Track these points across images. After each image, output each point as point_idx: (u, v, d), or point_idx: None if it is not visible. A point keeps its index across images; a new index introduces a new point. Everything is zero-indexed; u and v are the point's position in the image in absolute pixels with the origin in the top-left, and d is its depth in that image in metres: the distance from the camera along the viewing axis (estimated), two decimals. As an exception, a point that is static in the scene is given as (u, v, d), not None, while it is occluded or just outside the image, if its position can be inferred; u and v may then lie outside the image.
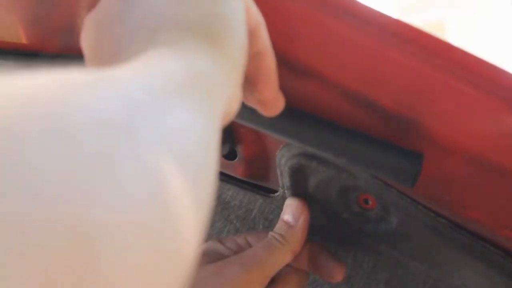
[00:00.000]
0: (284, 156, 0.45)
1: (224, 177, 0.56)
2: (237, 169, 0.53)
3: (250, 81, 0.30)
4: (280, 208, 0.53)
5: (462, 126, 0.32)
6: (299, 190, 0.49)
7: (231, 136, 0.50)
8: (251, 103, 0.33)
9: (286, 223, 0.43)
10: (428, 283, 0.49)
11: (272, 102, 0.33)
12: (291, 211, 0.44)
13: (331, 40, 0.32)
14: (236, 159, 0.52)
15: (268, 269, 0.40)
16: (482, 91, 0.30)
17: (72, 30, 0.36)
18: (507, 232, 0.36)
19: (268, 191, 0.55)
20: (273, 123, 0.37)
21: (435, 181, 0.36)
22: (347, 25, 0.32)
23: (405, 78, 0.32)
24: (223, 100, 0.22)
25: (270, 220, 0.55)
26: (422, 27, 0.32)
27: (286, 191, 0.49)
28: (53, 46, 0.39)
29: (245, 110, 0.37)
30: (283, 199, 0.52)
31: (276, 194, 0.53)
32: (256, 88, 0.30)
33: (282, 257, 0.41)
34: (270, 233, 0.43)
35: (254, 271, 0.40)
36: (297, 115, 0.36)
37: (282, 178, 0.48)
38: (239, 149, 0.51)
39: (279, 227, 0.44)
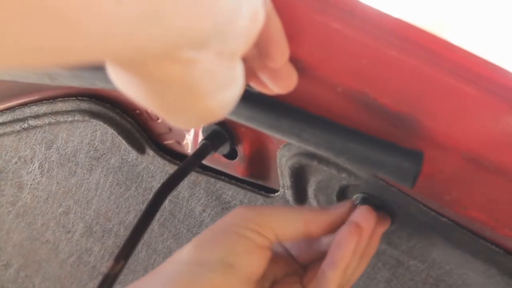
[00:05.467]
0: (284, 156, 0.45)
1: (224, 177, 0.56)
2: (237, 169, 0.53)
3: (261, 49, 0.30)
4: (280, 208, 0.53)
5: (462, 125, 0.32)
6: (300, 189, 0.49)
7: (231, 136, 0.50)
8: (265, 77, 0.33)
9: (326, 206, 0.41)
10: (429, 282, 0.49)
11: (286, 71, 0.32)
12: (338, 204, 0.42)
13: (331, 39, 0.32)
14: (237, 158, 0.52)
15: (272, 219, 0.38)
16: (482, 91, 0.30)
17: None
18: (507, 232, 0.36)
19: (268, 191, 0.55)
20: (273, 123, 0.37)
21: (435, 181, 0.36)
22: (347, 25, 0.32)
23: (405, 78, 0.32)
24: None
25: (270, 220, 0.55)
26: (422, 27, 0.32)
27: (286, 190, 0.50)
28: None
29: (246, 110, 0.37)
30: (284, 199, 0.52)
31: (276, 194, 0.53)
32: (268, 53, 0.30)
33: (292, 218, 0.39)
34: None
35: (255, 212, 0.38)
36: (298, 115, 0.36)
37: (282, 178, 0.48)
38: (240, 149, 0.51)
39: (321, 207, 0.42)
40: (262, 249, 0.37)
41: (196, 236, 0.38)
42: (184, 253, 0.36)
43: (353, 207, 0.42)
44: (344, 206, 0.41)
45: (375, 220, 0.40)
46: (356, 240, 0.38)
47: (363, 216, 0.39)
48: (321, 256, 0.41)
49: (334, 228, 0.40)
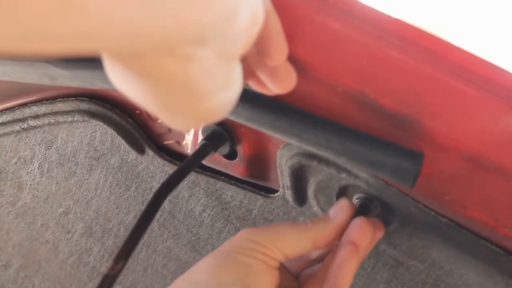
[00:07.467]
0: (284, 156, 0.45)
1: (224, 177, 0.56)
2: (237, 169, 0.53)
3: (260, 47, 0.30)
4: (280, 208, 0.53)
5: (462, 125, 0.32)
6: (300, 190, 0.49)
7: (231, 136, 0.50)
8: (264, 76, 0.33)
9: (325, 215, 0.42)
10: (429, 283, 0.49)
11: (285, 71, 0.32)
12: (335, 207, 0.42)
13: (331, 39, 0.32)
14: (236, 159, 0.52)
15: (280, 242, 0.38)
16: (482, 91, 0.30)
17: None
18: (507, 232, 0.36)
19: (268, 191, 0.55)
20: (273, 123, 0.37)
21: (435, 181, 0.36)
22: (347, 25, 0.32)
23: (405, 78, 0.32)
24: None
25: (270, 220, 0.55)
26: (422, 27, 0.32)
27: (286, 191, 0.50)
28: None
29: (246, 110, 0.37)
30: (283, 199, 0.52)
31: (276, 194, 0.53)
32: (267, 51, 0.30)
33: (300, 238, 0.39)
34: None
35: (264, 237, 0.38)
36: (297, 115, 0.36)
37: (282, 178, 0.48)
38: (239, 149, 0.51)
39: (319, 217, 0.42)
40: (274, 269, 0.38)
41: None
42: (203, 273, 0.37)
43: (351, 206, 0.42)
44: (343, 210, 0.41)
45: (372, 231, 0.40)
46: (356, 261, 0.38)
47: (360, 232, 0.39)
48: (311, 264, 0.42)
49: (339, 235, 0.40)
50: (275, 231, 0.39)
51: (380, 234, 0.43)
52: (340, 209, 0.41)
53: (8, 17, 0.15)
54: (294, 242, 0.39)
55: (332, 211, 0.42)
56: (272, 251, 0.38)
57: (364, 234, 0.39)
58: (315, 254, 0.42)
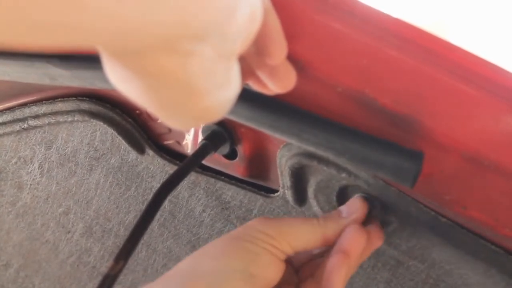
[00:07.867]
0: (284, 156, 0.45)
1: (224, 177, 0.56)
2: (237, 169, 0.53)
3: (259, 46, 0.30)
4: (280, 208, 0.53)
5: (462, 125, 0.32)
6: (300, 189, 0.49)
7: (231, 136, 0.50)
8: (264, 75, 0.33)
9: (338, 211, 0.42)
10: (429, 282, 0.49)
11: (284, 70, 0.32)
12: (349, 205, 0.42)
13: (331, 39, 0.32)
14: (236, 158, 0.52)
15: (290, 235, 0.38)
16: (482, 91, 0.30)
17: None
18: (507, 232, 0.36)
19: (268, 191, 0.55)
20: (273, 123, 0.37)
21: (435, 181, 0.36)
22: (347, 24, 0.32)
23: (405, 78, 0.32)
24: None
25: (270, 220, 0.55)
26: (422, 27, 0.32)
27: (286, 191, 0.50)
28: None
29: (245, 110, 0.37)
30: (283, 199, 0.52)
31: (276, 194, 0.53)
32: (266, 50, 0.30)
33: (310, 234, 0.39)
34: None
35: (274, 228, 0.38)
36: (297, 115, 0.36)
37: (282, 178, 0.48)
38: (240, 149, 0.51)
39: (331, 213, 0.42)
40: (280, 262, 0.38)
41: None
42: (210, 256, 0.37)
43: (365, 206, 0.42)
44: (358, 210, 0.41)
45: (365, 240, 0.40)
46: (346, 268, 0.38)
47: (351, 240, 0.39)
48: (312, 258, 0.42)
49: None
50: (286, 224, 0.39)
51: (378, 243, 0.43)
52: (355, 209, 0.42)
53: (7, 7, 0.15)
54: (304, 236, 0.39)
55: (346, 209, 0.42)
56: (281, 244, 0.38)
57: (355, 243, 0.39)
58: (317, 249, 0.42)
